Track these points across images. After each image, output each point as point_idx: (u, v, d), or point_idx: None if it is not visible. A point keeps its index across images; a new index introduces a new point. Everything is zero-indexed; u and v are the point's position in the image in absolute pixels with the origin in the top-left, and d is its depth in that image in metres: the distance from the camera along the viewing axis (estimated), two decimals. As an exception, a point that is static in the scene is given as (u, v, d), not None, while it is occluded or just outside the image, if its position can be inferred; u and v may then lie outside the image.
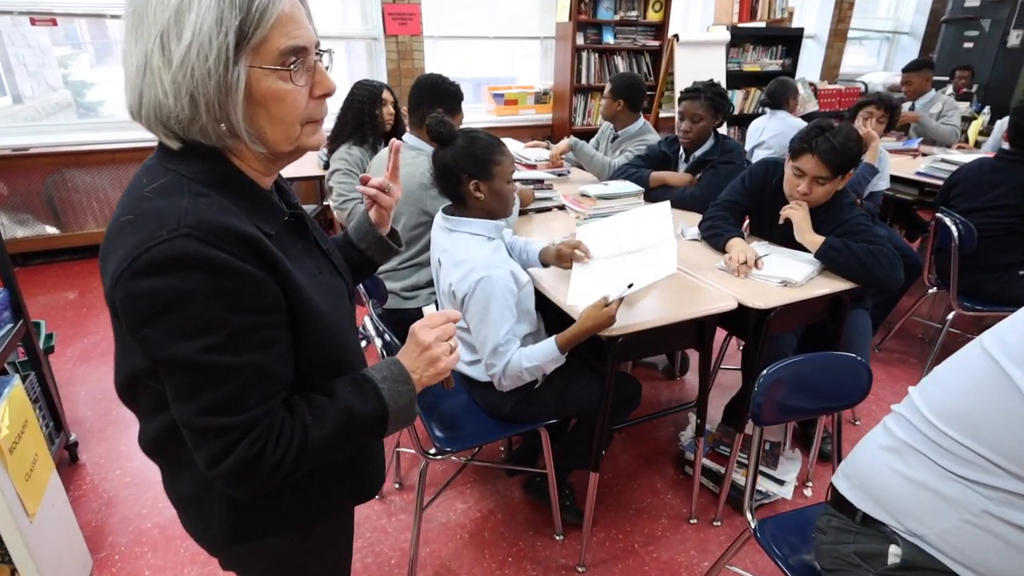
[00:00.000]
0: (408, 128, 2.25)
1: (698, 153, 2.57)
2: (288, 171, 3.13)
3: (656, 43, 5.27)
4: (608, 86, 2.88)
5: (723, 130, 2.63)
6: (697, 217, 2.23)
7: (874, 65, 7.56)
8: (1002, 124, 3.76)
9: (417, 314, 2.06)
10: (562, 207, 2.51)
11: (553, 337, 1.53)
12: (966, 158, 2.99)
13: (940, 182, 2.91)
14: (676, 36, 4.75)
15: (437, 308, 1.81)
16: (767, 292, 1.72)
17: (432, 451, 1.64)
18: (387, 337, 1.55)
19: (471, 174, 1.55)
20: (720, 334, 1.91)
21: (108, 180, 4.03)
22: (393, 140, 1.11)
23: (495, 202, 1.59)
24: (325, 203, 3.57)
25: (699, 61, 4.82)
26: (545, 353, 1.53)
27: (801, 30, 5.63)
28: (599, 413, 1.66)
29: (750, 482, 1.45)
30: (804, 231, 1.87)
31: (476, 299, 1.51)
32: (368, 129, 2.71)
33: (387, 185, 1.07)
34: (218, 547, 0.86)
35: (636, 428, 2.42)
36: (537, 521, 1.99)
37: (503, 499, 2.08)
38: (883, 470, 1.07)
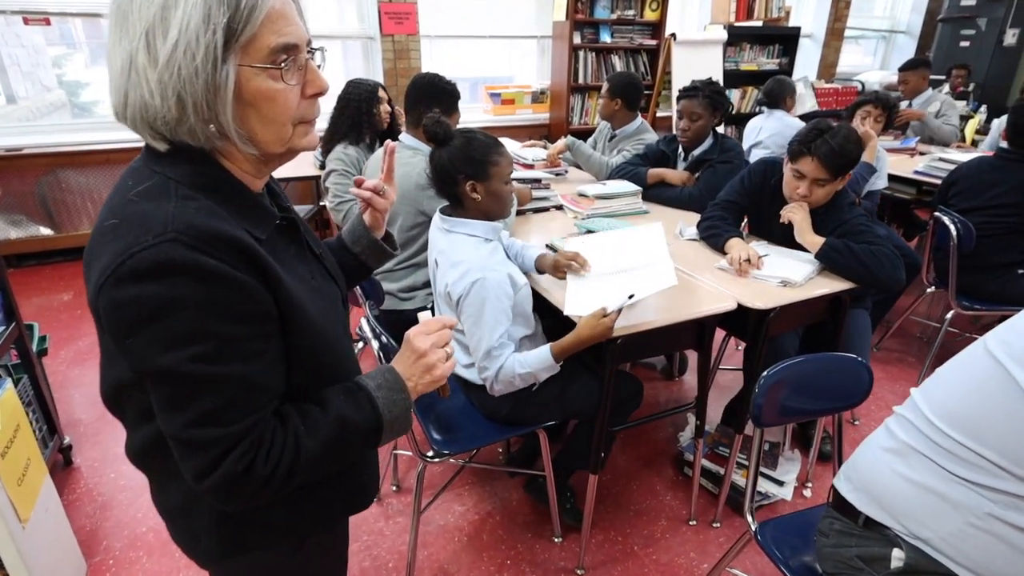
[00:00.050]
0: (404, 128, 2.24)
1: (697, 152, 2.56)
2: (284, 171, 3.10)
3: (653, 42, 5.26)
4: (605, 85, 2.87)
5: (720, 129, 2.62)
6: (695, 217, 2.22)
7: (870, 64, 7.56)
8: (1000, 123, 3.76)
9: (415, 315, 2.06)
10: (560, 207, 2.50)
11: (548, 345, 1.52)
12: (964, 157, 2.98)
13: (938, 181, 2.90)
14: (673, 35, 4.75)
15: (433, 310, 1.81)
16: (767, 292, 1.71)
17: (430, 454, 1.62)
18: (384, 339, 1.54)
19: (468, 175, 1.53)
20: (719, 334, 1.90)
21: (103, 181, 4.01)
22: (388, 141, 1.08)
23: (492, 203, 1.57)
24: (321, 204, 3.55)
25: (696, 60, 4.82)
26: (539, 361, 1.51)
27: (798, 29, 5.63)
28: (598, 414, 1.65)
29: (750, 484, 1.44)
30: (804, 232, 1.86)
31: (471, 301, 1.50)
32: (365, 128, 2.70)
33: (381, 187, 1.05)
34: (208, 561, 0.84)
35: (635, 429, 2.41)
36: (536, 523, 1.97)
37: (501, 501, 2.07)
38: (885, 472, 1.06)
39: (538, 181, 2.55)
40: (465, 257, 1.54)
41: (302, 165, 3.45)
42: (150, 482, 0.83)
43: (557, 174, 2.93)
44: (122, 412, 0.77)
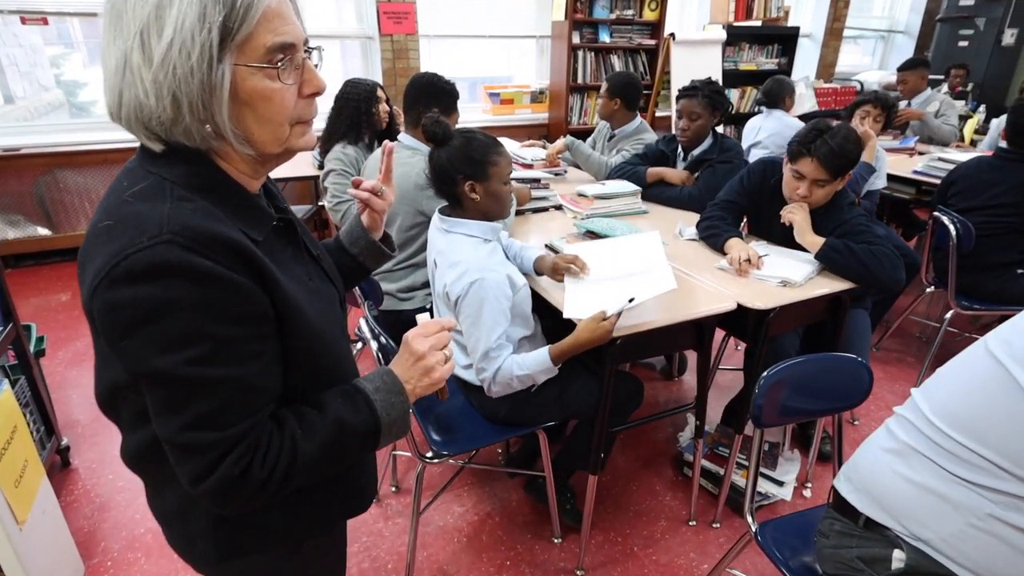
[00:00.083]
0: (403, 128, 2.23)
1: (696, 152, 2.55)
2: (282, 171, 3.09)
3: (652, 42, 5.26)
4: (604, 85, 2.87)
5: (719, 129, 2.62)
6: (695, 217, 2.22)
7: (869, 64, 7.57)
8: (999, 123, 3.76)
9: (414, 315, 2.06)
10: (559, 207, 2.49)
11: (547, 347, 1.52)
12: (963, 157, 2.98)
13: (937, 181, 2.91)
14: (672, 35, 4.74)
15: (432, 311, 1.80)
16: (766, 292, 1.71)
17: (429, 455, 1.62)
18: (383, 340, 1.53)
19: (466, 175, 1.53)
20: (719, 334, 1.89)
21: (101, 181, 3.99)
22: (386, 142, 1.08)
23: (491, 203, 1.57)
24: (320, 204, 3.54)
25: (695, 60, 4.81)
26: (538, 363, 1.51)
27: (797, 29, 5.63)
28: (598, 415, 1.64)
29: (750, 485, 1.44)
30: (804, 232, 1.86)
31: (469, 301, 1.50)
32: (364, 127, 2.69)
33: (379, 188, 1.04)
34: (204, 565, 0.83)
35: (634, 429, 2.40)
36: (535, 524, 1.97)
37: (501, 502, 2.06)
38: (886, 473, 1.06)
39: (537, 181, 2.54)
40: (464, 257, 1.53)
41: (301, 165, 3.45)
42: (145, 486, 0.83)
43: (556, 174, 2.93)
44: (117, 415, 0.76)
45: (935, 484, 0.98)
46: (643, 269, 1.64)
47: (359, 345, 2.30)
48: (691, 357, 2.86)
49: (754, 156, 3.65)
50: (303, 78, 0.70)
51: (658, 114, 5.14)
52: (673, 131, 2.63)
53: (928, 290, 2.83)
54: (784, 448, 2.18)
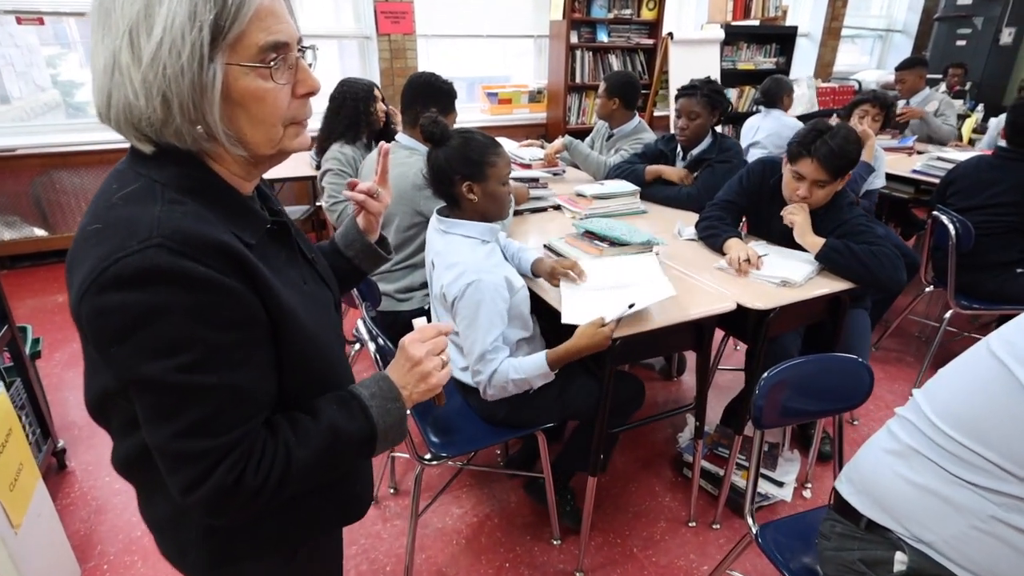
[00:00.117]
0: (401, 128, 2.22)
1: (696, 151, 2.55)
2: (280, 171, 3.08)
3: (650, 41, 5.25)
4: (603, 85, 2.86)
5: (718, 129, 2.61)
6: (694, 216, 2.21)
7: (867, 63, 7.57)
8: (998, 122, 3.76)
9: (412, 316, 2.05)
10: (558, 207, 2.48)
11: (544, 352, 1.51)
12: (961, 156, 2.98)
13: (936, 180, 2.90)
14: (670, 34, 4.74)
15: (429, 314, 1.79)
16: (766, 293, 1.70)
17: (427, 456, 1.61)
18: (381, 341, 1.52)
19: (464, 175, 1.52)
20: (718, 334, 1.89)
21: (97, 182, 3.97)
22: (382, 143, 1.07)
23: (489, 204, 1.56)
24: (318, 204, 3.53)
25: (693, 59, 4.81)
26: (534, 367, 1.50)
27: (795, 28, 5.62)
28: (597, 416, 1.63)
29: (751, 486, 1.43)
30: (804, 233, 1.85)
31: (465, 303, 1.49)
32: (362, 126, 2.68)
33: (375, 190, 1.02)
34: (196, 574, 0.82)
35: (634, 430, 2.39)
36: (534, 525, 1.96)
37: (500, 503, 2.05)
38: (887, 474, 1.05)
39: (536, 180, 2.53)
40: (461, 259, 1.52)
41: (299, 165, 3.43)
42: (137, 493, 0.81)
43: (555, 174, 2.92)
44: (107, 421, 0.74)
45: (937, 486, 0.98)
46: (641, 280, 1.64)
47: (357, 346, 2.29)
48: (690, 357, 2.85)
49: (752, 156, 3.65)
50: (297, 78, 0.68)
51: (656, 113, 5.13)
52: (672, 130, 2.62)
53: (927, 289, 2.83)
54: (784, 448, 2.17)
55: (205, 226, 0.63)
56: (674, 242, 2.12)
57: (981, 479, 0.93)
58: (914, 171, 3.28)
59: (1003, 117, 3.12)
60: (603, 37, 5.09)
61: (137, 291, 0.58)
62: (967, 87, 5.89)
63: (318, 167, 2.76)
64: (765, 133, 3.74)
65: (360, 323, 1.55)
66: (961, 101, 5.27)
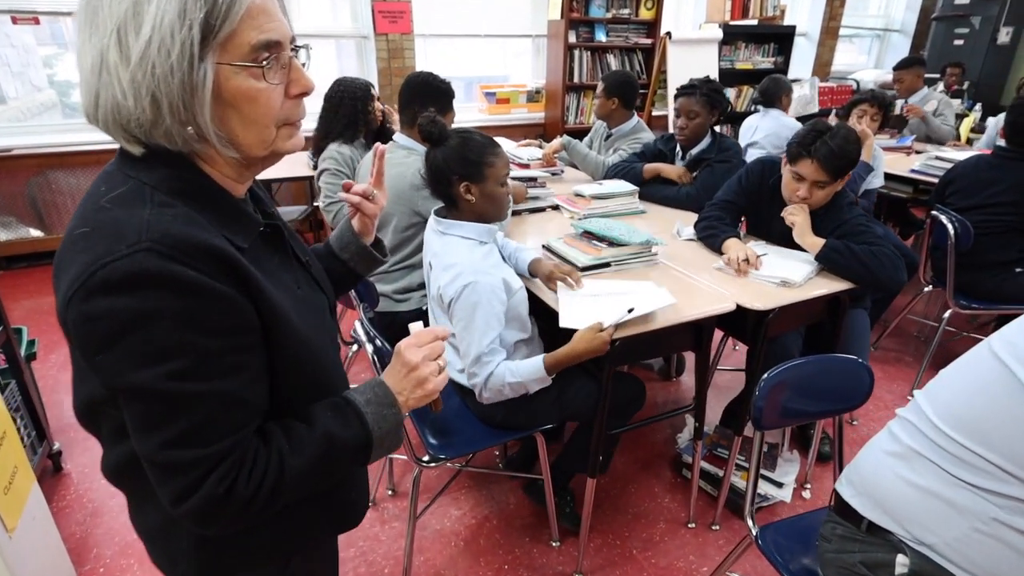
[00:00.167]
0: (398, 127, 2.21)
1: (695, 151, 2.54)
2: (277, 172, 3.08)
3: (648, 41, 5.25)
4: (601, 85, 2.85)
5: (717, 129, 2.61)
6: (693, 217, 2.21)
7: (865, 63, 7.57)
8: (997, 121, 3.76)
9: (410, 317, 2.04)
10: (556, 207, 2.47)
11: (541, 356, 1.50)
12: (960, 155, 2.98)
13: (934, 180, 2.90)
14: (668, 34, 4.73)
15: (427, 317, 1.78)
16: (765, 293, 1.70)
17: (425, 458, 1.60)
18: (378, 342, 1.51)
19: (462, 175, 1.51)
20: (717, 334, 1.88)
21: (94, 182, 3.97)
22: (377, 144, 1.05)
23: (487, 205, 1.55)
24: (315, 204, 3.51)
25: (692, 59, 4.80)
26: (531, 371, 1.49)
27: (793, 28, 5.62)
28: (596, 417, 1.62)
29: (751, 488, 1.42)
30: (804, 234, 1.84)
31: (462, 305, 1.48)
32: (360, 125, 2.67)
33: (371, 192, 1.01)
34: None
35: (633, 431, 2.38)
36: (534, 527, 1.95)
37: (499, 505, 2.04)
38: (889, 476, 1.05)
39: (534, 180, 2.53)
40: (458, 260, 1.51)
41: (296, 166, 3.42)
42: (128, 501, 0.80)
43: (553, 174, 2.91)
44: (97, 428, 0.73)
45: (939, 488, 0.97)
46: (639, 289, 1.64)
47: (355, 347, 2.28)
48: (689, 357, 2.85)
49: (750, 156, 3.64)
50: (290, 78, 0.67)
51: (655, 113, 5.13)
52: (670, 130, 2.61)
53: (926, 289, 2.82)
54: (783, 449, 2.17)
55: (196, 229, 0.61)
56: (673, 242, 2.11)
57: (983, 481, 0.93)
58: (913, 171, 3.28)
59: (1002, 116, 3.12)
60: (601, 37, 5.08)
61: (125, 296, 0.57)
62: (965, 86, 5.89)
63: (315, 167, 2.75)
64: (763, 133, 3.73)
65: (358, 324, 1.54)
66: (959, 100, 5.27)
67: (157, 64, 0.57)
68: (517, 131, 5.08)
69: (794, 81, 5.26)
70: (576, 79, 5.09)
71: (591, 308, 1.54)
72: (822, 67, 6.72)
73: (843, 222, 1.83)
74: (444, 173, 1.52)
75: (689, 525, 1.97)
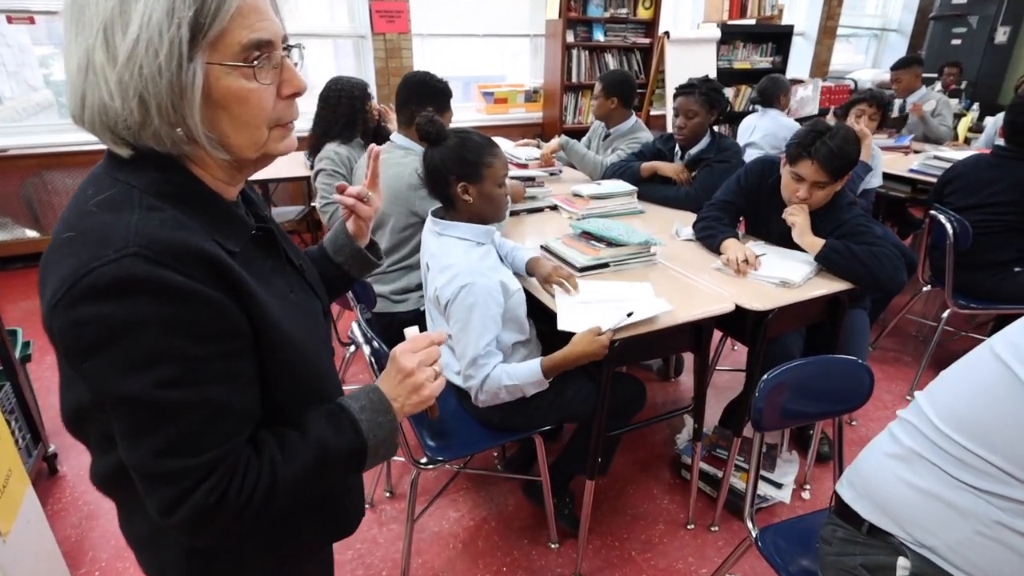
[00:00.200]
0: (396, 127, 2.20)
1: (694, 151, 2.53)
2: (275, 172, 3.06)
3: (646, 41, 5.24)
4: (599, 85, 2.84)
5: (716, 128, 2.60)
6: (691, 217, 2.20)
7: (862, 62, 7.58)
8: (996, 121, 3.76)
9: (407, 317, 2.03)
10: (554, 207, 2.46)
11: (538, 359, 1.49)
12: (958, 155, 2.97)
13: (933, 179, 2.90)
14: (666, 33, 4.73)
15: (425, 320, 1.77)
16: (765, 294, 1.69)
17: (423, 460, 1.59)
18: (376, 344, 1.50)
19: (459, 175, 1.50)
20: (716, 335, 1.87)
21: (90, 182, 3.94)
22: (372, 146, 1.04)
23: (485, 206, 1.54)
24: (313, 204, 3.50)
25: (689, 58, 4.80)
26: (528, 374, 1.48)
27: (791, 27, 5.62)
28: (595, 418, 1.61)
29: (750, 490, 1.42)
30: (804, 234, 1.83)
31: (458, 306, 1.47)
32: (359, 125, 2.66)
33: (365, 194, 0.99)
34: None
35: (632, 432, 2.37)
36: (532, 529, 1.94)
37: (497, 507, 2.03)
38: (890, 478, 1.04)
39: (532, 179, 2.52)
40: (455, 261, 1.50)
41: (293, 166, 3.40)
42: (117, 509, 0.79)
43: (551, 174, 2.90)
44: (85, 436, 0.71)
45: (940, 490, 0.96)
46: (637, 296, 1.63)
47: (352, 349, 2.27)
48: (688, 358, 2.84)
49: (748, 156, 3.63)
50: (282, 78, 0.65)
51: (653, 113, 5.12)
52: (669, 129, 2.61)
53: (924, 289, 2.82)
54: (782, 449, 2.16)
55: (185, 234, 0.60)
56: (672, 242, 2.10)
57: (985, 483, 0.92)
58: (911, 170, 3.28)
59: (1001, 116, 3.12)
60: (599, 36, 5.07)
61: (112, 303, 0.55)
62: (962, 86, 5.90)
63: (311, 167, 2.74)
64: (761, 133, 3.73)
65: (355, 325, 1.54)
66: (956, 100, 5.28)
67: (145, 64, 0.56)
68: (515, 131, 5.07)
69: (797, 82, 5.26)
70: (574, 79, 5.09)
71: (589, 312, 1.53)
72: (820, 67, 6.73)
73: (843, 222, 1.82)
74: (441, 173, 1.51)
75: (688, 526, 1.96)
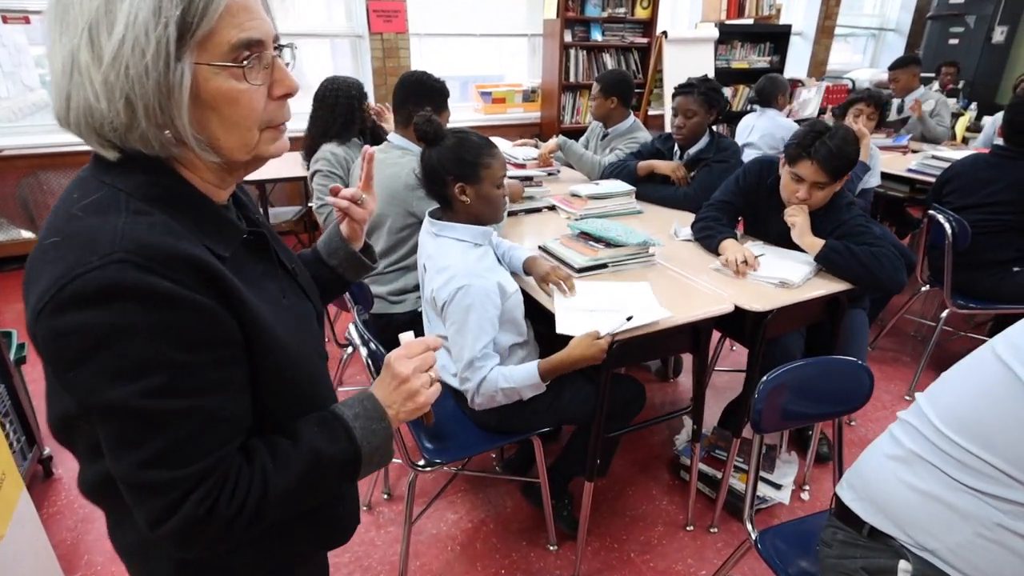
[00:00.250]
0: (393, 127, 2.19)
1: (693, 151, 2.52)
2: (272, 172, 3.03)
3: (644, 40, 5.24)
4: (596, 86, 2.82)
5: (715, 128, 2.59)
6: (690, 217, 2.19)
7: (860, 62, 7.58)
8: (995, 120, 3.76)
9: (405, 319, 2.02)
10: (552, 207, 2.46)
11: (536, 362, 1.48)
12: (956, 154, 2.97)
13: (931, 179, 2.89)
14: (664, 33, 4.73)
15: (422, 323, 1.76)
16: (764, 294, 1.68)
17: (420, 463, 1.58)
18: (372, 346, 1.49)
19: (457, 176, 1.49)
20: (715, 335, 1.87)
21: (86, 183, 3.93)
22: (366, 148, 1.03)
23: (483, 207, 1.53)
24: (310, 204, 3.49)
25: (687, 58, 4.80)
26: (525, 377, 1.47)
27: (788, 27, 5.62)
28: (594, 420, 1.61)
29: (750, 492, 1.41)
30: (804, 234, 1.83)
31: (454, 307, 1.46)
32: (357, 124, 2.65)
33: (359, 196, 0.98)
34: None
35: (631, 433, 2.37)
36: (531, 531, 1.93)
37: (495, 508, 2.03)
38: (890, 481, 1.03)
39: (530, 179, 2.51)
40: (451, 262, 1.49)
41: (292, 166, 3.38)
42: (106, 518, 0.77)
43: (549, 174, 2.89)
44: (72, 445, 0.70)
45: (941, 492, 0.96)
46: (635, 303, 1.62)
47: (349, 350, 2.26)
48: (686, 358, 2.84)
49: (746, 156, 3.63)
50: (273, 78, 0.64)
51: (650, 112, 5.12)
52: (667, 129, 2.60)
53: (923, 289, 2.82)
54: (781, 450, 2.16)
55: (173, 238, 0.58)
56: (670, 243, 2.10)
57: (986, 486, 0.91)
58: (909, 170, 3.28)
59: (1000, 115, 3.12)
60: (597, 36, 5.07)
61: (97, 310, 0.54)
62: (960, 85, 5.91)
63: (307, 168, 2.73)
64: (759, 133, 3.72)
65: (352, 327, 1.53)
66: (954, 100, 5.28)
67: (131, 65, 0.55)
68: (513, 131, 5.06)
69: (797, 82, 5.26)
70: (572, 78, 5.08)
71: (588, 316, 1.52)
72: (817, 66, 6.73)
73: (842, 222, 1.81)
74: (439, 173, 1.50)
75: (687, 528, 1.95)
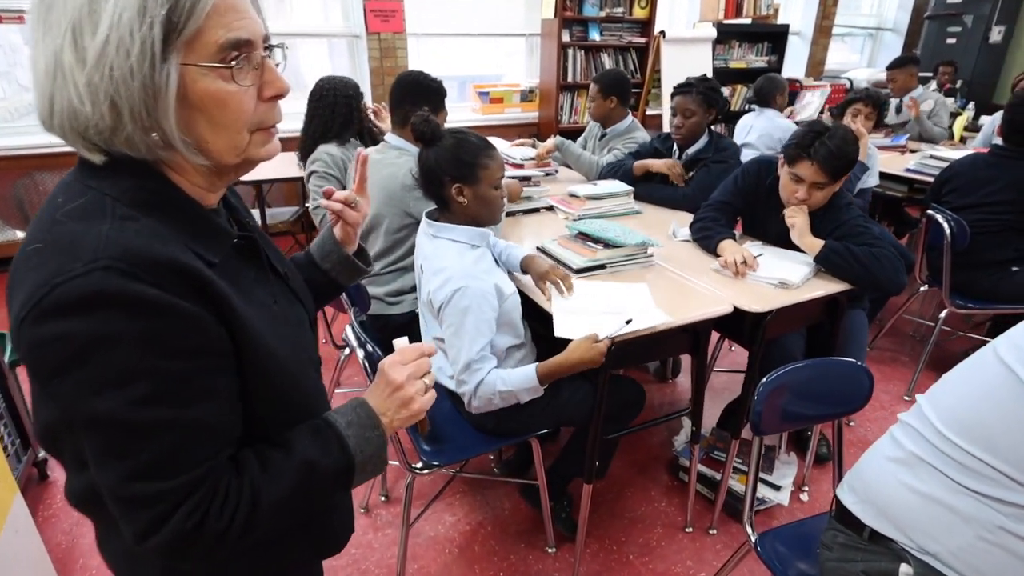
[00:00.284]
0: (390, 127, 2.18)
1: (691, 151, 2.51)
2: (269, 172, 3.00)
3: (642, 40, 5.23)
4: (594, 86, 2.81)
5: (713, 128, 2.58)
6: (689, 217, 2.19)
7: (858, 62, 7.59)
8: (994, 120, 3.76)
9: (402, 320, 2.01)
10: (550, 207, 2.45)
11: (534, 365, 1.47)
12: (955, 154, 2.97)
13: (930, 179, 2.89)
14: (662, 33, 4.72)
15: (421, 324, 1.75)
16: (763, 295, 1.67)
17: (418, 465, 1.57)
18: (369, 347, 1.48)
19: (454, 177, 1.48)
20: (713, 336, 1.86)
21: (82, 183, 3.91)
22: (359, 150, 1.01)
23: (480, 208, 1.52)
24: (307, 205, 3.48)
25: (685, 58, 4.79)
26: (522, 380, 1.46)
27: (786, 27, 5.62)
28: (592, 422, 1.60)
29: (749, 494, 1.40)
30: (803, 235, 1.82)
31: (451, 309, 1.44)
32: (355, 123, 2.64)
33: (353, 199, 0.96)
34: None
35: (629, 434, 2.36)
36: (529, 533, 1.92)
37: (493, 511, 2.02)
38: (891, 483, 1.03)
39: (528, 179, 2.50)
40: (448, 264, 1.48)
41: (288, 166, 3.37)
42: (94, 527, 0.76)
43: (547, 174, 2.88)
44: (59, 453, 0.68)
45: (943, 495, 0.95)
46: (634, 306, 1.61)
47: (346, 351, 2.24)
48: (685, 359, 2.83)
49: (744, 156, 3.61)
50: (264, 79, 0.63)
51: (649, 112, 5.11)
52: (665, 129, 2.59)
53: (922, 289, 2.81)
54: (780, 451, 2.15)
55: (160, 244, 0.57)
56: (669, 243, 2.09)
57: (988, 488, 0.91)
58: (907, 169, 3.27)
59: (999, 115, 3.12)
60: (595, 36, 5.06)
61: (81, 318, 0.52)
62: (958, 85, 5.91)
63: (303, 169, 2.72)
64: (757, 134, 3.72)
65: (348, 328, 1.51)
66: (952, 99, 5.28)
67: (115, 66, 0.53)
68: (511, 131, 5.05)
69: (796, 83, 5.26)
70: (570, 78, 5.07)
71: (586, 319, 1.51)
72: (815, 66, 6.73)
73: (841, 223, 1.81)
74: (436, 174, 1.49)
75: (686, 529, 1.94)
